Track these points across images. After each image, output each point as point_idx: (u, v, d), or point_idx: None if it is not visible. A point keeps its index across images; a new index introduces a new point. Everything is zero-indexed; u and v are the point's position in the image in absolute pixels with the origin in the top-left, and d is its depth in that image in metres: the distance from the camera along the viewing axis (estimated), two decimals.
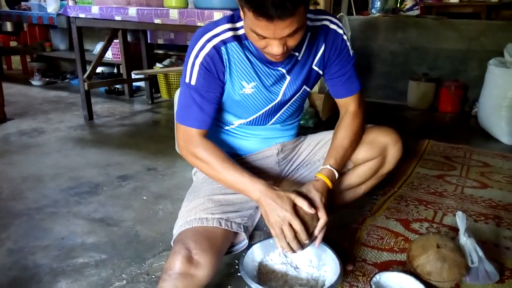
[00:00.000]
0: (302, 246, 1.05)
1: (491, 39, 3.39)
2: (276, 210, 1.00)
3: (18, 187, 1.77)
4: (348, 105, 1.20)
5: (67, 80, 4.41)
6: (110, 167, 2.02)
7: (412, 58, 3.74)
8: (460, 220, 1.18)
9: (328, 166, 1.12)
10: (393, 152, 1.24)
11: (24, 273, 1.20)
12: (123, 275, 1.20)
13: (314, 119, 2.84)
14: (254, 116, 1.16)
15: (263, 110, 1.14)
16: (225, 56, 1.04)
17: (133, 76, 3.43)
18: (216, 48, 1.03)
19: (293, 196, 1.01)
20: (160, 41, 3.43)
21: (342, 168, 1.19)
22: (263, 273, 1.15)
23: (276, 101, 1.13)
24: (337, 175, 1.13)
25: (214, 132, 1.22)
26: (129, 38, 3.60)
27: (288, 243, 1.02)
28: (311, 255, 1.19)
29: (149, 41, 3.43)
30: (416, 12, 3.90)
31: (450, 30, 3.56)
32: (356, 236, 1.41)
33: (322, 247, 1.17)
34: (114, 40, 3.62)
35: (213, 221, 1.05)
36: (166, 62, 3.58)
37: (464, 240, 1.17)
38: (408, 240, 1.38)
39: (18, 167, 2.01)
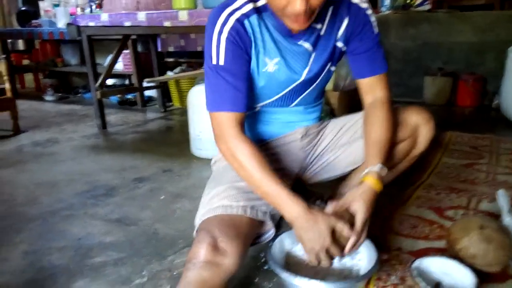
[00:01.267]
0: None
1: (506, 29, 3.30)
2: (314, 238, 0.92)
3: (32, 193, 1.73)
4: (374, 88, 1.10)
5: (79, 95, 4.43)
6: (125, 171, 1.97)
7: (425, 53, 3.66)
8: (503, 199, 1.09)
9: (376, 167, 1.01)
10: (425, 132, 1.16)
11: (40, 274, 1.14)
12: (144, 273, 1.13)
13: (330, 116, 2.77)
14: (277, 97, 1.09)
15: (287, 90, 1.08)
16: (249, 29, 0.97)
17: (145, 84, 3.41)
18: (240, 21, 0.96)
19: (333, 222, 0.92)
20: (171, 49, 3.41)
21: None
22: (292, 264, 1.07)
23: (300, 80, 1.06)
24: (385, 172, 1.03)
25: None
26: (139, 48, 3.60)
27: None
28: None
29: (159, 49, 3.41)
30: (427, 7, 3.84)
31: (463, 23, 3.48)
32: (387, 226, 1.32)
33: None
34: (125, 51, 3.63)
35: (237, 208, 0.98)
36: (177, 70, 3.56)
37: (508, 220, 1.09)
38: (443, 228, 1.29)
39: (31, 174, 1.97)
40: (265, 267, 1.13)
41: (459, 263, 1.02)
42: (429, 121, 1.15)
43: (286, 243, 1.12)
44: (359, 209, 0.96)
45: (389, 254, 1.15)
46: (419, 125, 1.15)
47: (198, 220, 1.01)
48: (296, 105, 1.14)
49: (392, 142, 1.16)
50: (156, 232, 1.36)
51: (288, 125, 1.17)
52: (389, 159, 1.11)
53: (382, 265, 1.11)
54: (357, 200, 0.97)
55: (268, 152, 1.15)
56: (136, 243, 1.30)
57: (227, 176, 1.08)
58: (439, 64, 3.58)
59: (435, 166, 1.87)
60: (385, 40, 3.78)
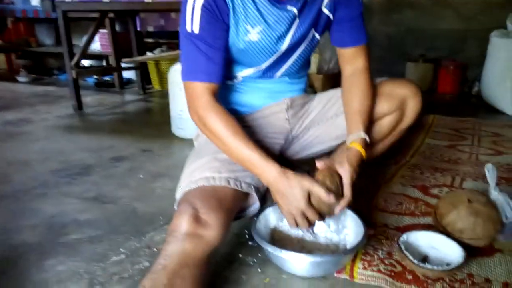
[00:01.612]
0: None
1: (489, 17, 3.32)
2: (288, 200, 0.90)
3: (3, 172, 1.64)
4: (355, 58, 1.09)
5: (54, 77, 4.26)
6: (102, 150, 1.89)
7: (409, 40, 3.66)
8: (490, 173, 1.08)
9: (362, 134, 1.01)
10: (413, 105, 1.14)
11: (12, 252, 1.07)
12: (121, 249, 1.08)
13: None
14: (260, 67, 1.05)
15: (270, 60, 1.03)
16: None
17: (123, 65, 3.29)
18: None
19: (308, 185, 0.89)
20: (150, 29, 3.30)
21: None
22: (277, 240, 1.04)
23: (284, 47, 1.02)
24: (368, 140, 1.02)
25: None
26: (117, 28, 3.47)
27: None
28: (329, 220, 1.08)
29: (138, 28, 3.30)
30: None
31: (447, 9, 3.48)
32: (372, 203, 1.30)
33: None
34: (102, 31, 3.50)
35: (220, 180, 0.94)
36: (157, 51, 3.45)
37: (496, 194, 1.08)
38: (429, 205, 1.28)
39: (2, 153, 1.87)
40: (249, 243, 1.09)
41: (447, 237, 1.00)
42: (416, 93, 1.13)
43: (272, 218, 1.08)
44: (346, 171, 0.94)
45: (375, 230, 1.13)
46: (406, 98, 1.12)
47: (179, 193, 0.96)
48: (281, 76, 1.10)
49: (380, 115, 1.14)
50: (135, 210, 1.30)
51: (273, 96, 1.12)
52: (371, 127, 1.11)
53: (368, 240, 1.08)
54: (344, 162, 0.95)
55: (252, 123, 1.11)
56: (114, 220, 1.24)
57: (209, 148, 1.04)
58: (421, 50, 3.59)
59: (419, 146, 1.87)
60: (369, 25, 3.74)
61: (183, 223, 0.82)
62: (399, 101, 1.12)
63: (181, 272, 0.77)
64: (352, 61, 1.09)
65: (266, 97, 1.11)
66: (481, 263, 0.98)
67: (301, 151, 1.23)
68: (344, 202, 0.93)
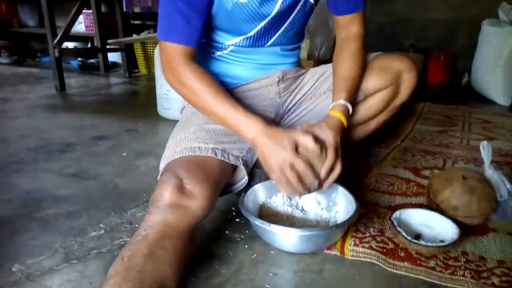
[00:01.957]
0: (308, 189, 0.90)
1: (479, 7, 3.31)
2: (274, 151, 0.84)
3: None
4: (350, 24, 1.05)
5: (37, 59, 4.14)
6: (84, 129, 1.82)
7: (399, 30, 3.63)
8: (485, 150, 1.05)
9: (342, 101, 0.96)
10: (407, 80, 1.10)
11: None
12: (101, 225, 1.02)
13: None
14: (250, 34, 0.99)
15: (260, 25, 0.97)
16: None
17: (108, 47, 3.20)
18: None
19: (295, 135, 0.85)
20: (137, 10, 3.20)
21: (354, 102, 1.05)
22: (266, 216, 1.00)
23: (274, 11, 0.96)
24: (351, 110, 0.97)
25: (204, 59, 1.05)
26: (103, 8, 3.37)
27: (291, 188, 0.86)
28: (318, 196, 1.05)
29: (124, 9, 3.20)
30: None
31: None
32: (363, 183, 1.26)
33: (332, 186, 1.02)
34: (87, 11, 3.39)
35: (207, 150, 0.88)
36: (144, 33, 3.36)
37: (491, 172, 1.05)
38: (421, 186, 1.25)
39: None
40: (236, 220, 1.05)
41: (440, 214, 0.97)
42: (412, 68, 1.09)
43: (260, 194, 1.04)
44: (328, 136, 0.88)
45: (366, 209, 1.09)
46: (401, 72, 1.08)
47: (162, 164, 0.91)
48: (271, 44, 1.04)
49: (374, 91, 1.10)
50: (117, 186, 1.24)
51: (264, 67, 1.07)
52: (356, 96, 1.06)
53: (359, 218, 1.05)
54: (324, 127, 0.89)
55: (242, 95, 1.06)
56: (94, 196, 1.17)
57: (196, 118, 0.98)
58: (412, 40, 3.56)
59: (409, 132, 1.84)
60: None
61: (166, 193, 0.77)
62: (394, 76, 1.08)
63: (163, 243, 0.72)
64: (347, 27, 1.05)
65: (256, 69, 1.06)
66: (475, 241, 0.95)
67: (291, 127, 1.18)
68: (328, 163, 0.86)
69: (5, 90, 2.67)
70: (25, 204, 1.12)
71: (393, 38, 3.64)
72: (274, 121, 1.12)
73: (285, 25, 1.01)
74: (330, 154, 0.87)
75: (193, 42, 0.91)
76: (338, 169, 0.89)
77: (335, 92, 0.99)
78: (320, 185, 0.89)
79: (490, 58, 2.47)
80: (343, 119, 0.94)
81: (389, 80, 1.08)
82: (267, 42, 1.03)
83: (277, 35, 1.02)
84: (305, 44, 2.84)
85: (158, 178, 0.87)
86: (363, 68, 1.05)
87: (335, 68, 1.04)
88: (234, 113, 0.88)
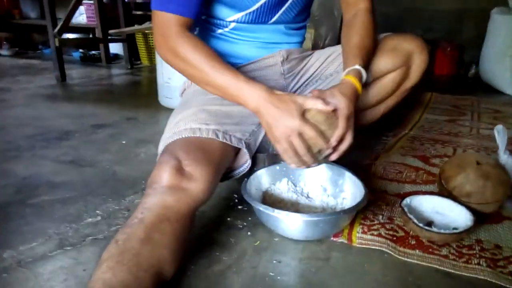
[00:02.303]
0: (317, 159, 0.85)
1: None
2: (281, 119, 0.79)
3: None
4: (357, 2, 1.00)
5: (39, 51, 4.11)
6: (84, 117, 1.78)
7: (407, 20, 3.57)
8: (501, 134, 1.00)
9: (357, 66, 0.89)
10: (419, 61, 1.05)
11: None
12: (98, 211, 0.98)
13: None
14: (253, 8, 0.94)
15: (263, 0, 0.92)
16: None
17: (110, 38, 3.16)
18: None
19: (301, 99, 0.80)
20: (139, 0, 3.16)
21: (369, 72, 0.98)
22: (269, 203, 0.95)
23: None
24: (365, 77, 0.91)
25: (205, 38, 1.01)
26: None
27: (298, 159, 0.82)
28: (324, 182, 1.00)
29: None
30: None
31: None
32: (370, 171, 1.22)
33: (338, 171, 0.98)
34: (89, 1, 3.35)
35: (208, 132, 0.84)
36: (146, 24, 3.31)
37: (505, 158, 1.00)
38: (431, 174, 1.20)
39: None
40: (239, 207, 1.00)
41: (453, 201, 0.92)
42: (424, 49, 1.04)
43: (264, 180, 0.99)
44: (341, 102, 0.82)
45: (375, 196, 1.05)
46: (412, 53, 1.03)
47: (161, 145, 0.86)
48: (275, 22, 0.99)
49: (384, 72, 1.05)
50: (115, 173, 1.20)
51: (268, 46, 1.02)
52: (370, 87, 1.02)
53: (367, 205, 1.00)
54: (337, 93, 0.83)
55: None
56: (91, 183, 1.13)
57: (197, 99, 0.94)
58: (419, 31, 3.49)
59: (417, 121, 1.79)
60: None
61: (164, 175, 0.73)
62: (405, 57, 1.03)
63: (161, 226, 0.67)
64: (354, 3, 1.00)
65: (260, 47, 1.01)
66: (489, 229, 0.91)
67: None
68: (339, 132, 0.81)
69: (5, 80, 2.63)
70: (20, 190, 1.08)
71: (400, 29, 3.54)
72: None
73: (289, 2, 0.96)
74: (342, 122, 0.82)
75: (190, 12, 0.85)
76: (349, 139, 0.84)
77: (348, 59, 0.92)
78: (329, 156, 0.84)
79: (499, 47, 2.41)
80: (358, 85, 0.88)
81: (400, 61, 1.03)
82: (271, 19, 0.98)
83: (281, 11, 0.97)
84: (309, 34, 2.78)
85: (157, 160, 0.83)
86: (376, 43, 1.00)
87: (345, 41, 0.97)
88: (234, 80, 0.82)
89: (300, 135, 0.79)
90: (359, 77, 0.89)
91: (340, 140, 0.83)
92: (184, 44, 0.84)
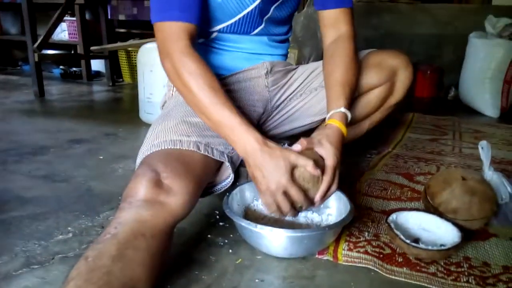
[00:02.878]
0: (298, 213, 0.84)
1: (464, 23, 3.34)
2: (268, 175, 0.76)
3: None
4: (338, 23, 0.98)
5: (19, 68, 4.02)
6: (61, 132, 1.72)
7: (387, 44, 3.63)
8: (485, 150, 1.00)
9: (342, 109, 0.87)
10: (403, 77, 1.05)
11: None
12: (69, 228, 0.92)
13: None
14: (235, 19, 0.92)
15: (246, 11, 0.91)
16: None
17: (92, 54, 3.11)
18: None
19: (293, 157, 0.77)
20: (122, 17, 3.14)
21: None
22: (252, 219, 0.91)
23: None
24: (350, 118, 0.89)
25: None
26: (87, 16, 3.30)
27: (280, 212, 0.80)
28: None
29: (109, 16, 3.14)
30: None
31: (424, 14, 3.49)
32: (355, 188, 1.19)
33: None
34: (71, 18, 3.32)
35: (188, 144, 0.80)
36: (129, 42, 3.29)
37: (490, 174, 0.99)
38: (415, 191, 1.18)
39: None
40: (220, 224, 0.96)
41: (439, 218, 0.90)
42: (408, 65, 1.04)
43: (246, 195, 0.96)
44: (328, 152, 0.81)
45: (360, 213, 1.02)
46: (397, 69, 1.03)
47: (139, 158, 0.82)
48: (259, 33, 0.98)
49: (368, 88, 1.04)
50: (90, 189, 1.15)
51: (251, 57, 1.00)
52: (354, 102, 1.00)
53: (353, 222, 0.97)
54: (325, 142, 0.82)
55: (229, 88, 0.99)
56: (64, 199, 1.08)
57: (178, 111, 0.91)
58: None
59: (400, 139, 1.79)
60: None
61: (140, 188, 0.69)
62: (390, 72, 1.03)
63: (135, 242, 0.63)
64: (334, 26, 0.98)
65: (243, 58, 0.99)
66: (477, 246, 0.89)
67: (280, 125, 1.11)
68: (323, 187, 0.80)
69: None
70: None
71: None
72: (261, 117, 1.05)
73: (271, 12, 0.95)
74: (327, 177, 0.80)
75: (193, 17, 0.82)
76: (333, 190, 0.83)
77: (332, 99, 0.91)
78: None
79: (478, 70, 2.47)
80: (344, 129, 0.87)
81: (384, 77, 1.03)
82: (254, 30, 0.96)
83: (263, 25, 0.96)
84: (293, 55, 2.81)
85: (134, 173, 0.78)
86: (358, 72, 0.98)
87: (327, 73, 0.96)
88: (230, 120, 0.78)
89: (285, 193, 0.77)
90: (345, 120, 0.87)
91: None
92: (189, 66, 0.79)
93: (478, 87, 2.46)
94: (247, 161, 0.79)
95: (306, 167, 0.77)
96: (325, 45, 1.00)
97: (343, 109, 0.88)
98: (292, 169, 0.77)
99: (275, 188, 0.76)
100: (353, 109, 1.05)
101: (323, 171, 0.80)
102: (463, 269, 0.80)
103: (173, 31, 0.80)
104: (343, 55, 0.95)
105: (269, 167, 0.76)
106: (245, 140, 0.78)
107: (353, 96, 0.96)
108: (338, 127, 0.86)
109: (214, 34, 0.95)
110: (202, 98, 0.79)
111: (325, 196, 0.83)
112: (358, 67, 0.98)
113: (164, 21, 0.81)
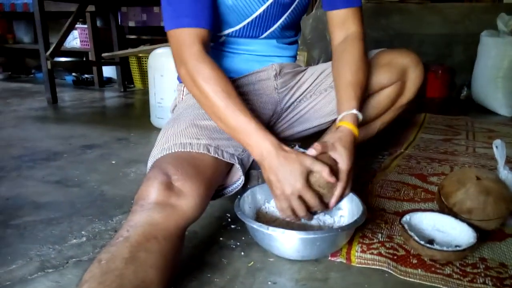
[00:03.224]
0: (312, 217, 0.84)
1: (475, 22, 3.30)
2: (283, 179, 0.76)
3: None
4: (347, 22, 0.97)
5: (32, 75, 4.09)
6: (73, 138, 1.74)
7: (397, 45, 3.61)
8: (499, 149, 0.98)
9: (354, 111, 0.87)
10: (414, 77, 1.03)
11: None
12: (83, 232, 0.93)
13: None
14: (244, 23, 0.92)
15: (256, 13, 0.91)
16: None
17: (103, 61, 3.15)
18: None
19: (309, 162, 0.76)
20: (131, 24, 3.18)
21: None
22: (263, 222, 0.90)
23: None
24: (361, 118, 0.89)
25: None
26: (98, 24, 3.34)
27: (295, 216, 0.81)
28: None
29: (119, 23, 3.17)
30: None
31: (434, 14, 3.46)
32: (367, 190, 1.18)
33: None
34: (83, 26, 3.37)
35: (198, 146, 0.81)
36: (139, 48, 3.32)
37: (505, 173, 0.97)
38: (429, 192, 1.17)
39: None
40: (232, 226, 0.96)
41: (454, 218, 0.89)
42: (418, 63, 1.03)
43: (258, 198, 0.95)
44: (342, 156, 0.80)
45: (373, 214, 1.01)
46: (407, 68, 1.02)
47: (150, 162, 0.83)
48: (267, 36, 0.98)
49: (379, 88, 1.03)
50: (103, 193, 1.16)
51: (260, 59, 1.00)
52: (365, 103, 0.99)
53: (365, 224, 0.96)
54: (338, 146, 0.81)
55: (238, 91, 0.97)
56: (78, 203, 1.09)
57: (188, 114, 0.91)
58: None
59: (412, 140, 1.77)
60: None
61: (152, 191, 0.69)
62: (400, 71, 1.02)
63: (147, 244, 0.63)
64: (343, 25, 0.97)
65: (252, 61, 0.99)
66: (493, 247, 0.87)
67: (290, 127, 1.11)
68: (338, 192, 0.80)
69: None
70: (2, 211, 1.03)
71: None
72: (271, 119, 1.05)
73: (283, 18, 0.95)
74: (342, 182, 0.80)
75: (207, 23, 0.82)
76: (346, 193, 0.83)
77: (343, 101, 0.90)
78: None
79: (490, 69, 2.43)
80: (355, 131, 0.86)
81: (395, 77, 1.02)
82: (263, 33, 0.96)
83: (273, 28, 0.96)
84: (302, 57, 2.81)
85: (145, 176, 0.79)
86: (368, 72, 0.97)
87: (337, 74, 0.95)
88: (246, 125, 0.78)
89: (300, 197, 0.77)
90: (356, 121, 0.87)
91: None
92: (205, 72, 0.80)
93: (491, 86, 2.43)
94: (263, 164, 0.79)
95: (322, 173, 0.76)
96: (334, 46, 1.00)
97: (354, 111, 0.87)
98: (308, 174, 0.77)
99: (290, 192, 0.76)
100: (364, 109, 1.04)
101: (337, 175, 0.79)
102: (479, 270, 0.78)
103: (186, 37, 0.81)
104: (352, 55, 0.94)
105: (285, 171, 0.76)
106: (261, 144, 0.78)
107: (364, 96, 0.95)
108: (350, 129, 0.85)
109: (222, 39, 0.95)
110: (217, 103, 0.79)
111: (339, 200, 0.83)
112: (368, 67, 0.97)
113: (177, 28, 0.81)
